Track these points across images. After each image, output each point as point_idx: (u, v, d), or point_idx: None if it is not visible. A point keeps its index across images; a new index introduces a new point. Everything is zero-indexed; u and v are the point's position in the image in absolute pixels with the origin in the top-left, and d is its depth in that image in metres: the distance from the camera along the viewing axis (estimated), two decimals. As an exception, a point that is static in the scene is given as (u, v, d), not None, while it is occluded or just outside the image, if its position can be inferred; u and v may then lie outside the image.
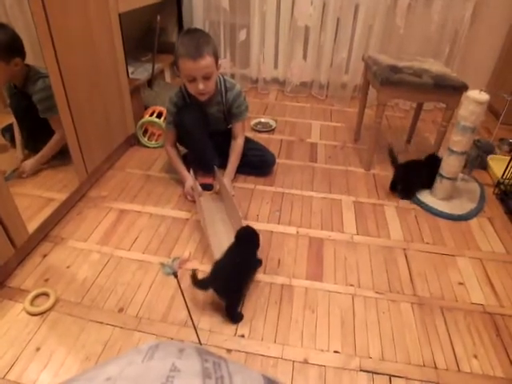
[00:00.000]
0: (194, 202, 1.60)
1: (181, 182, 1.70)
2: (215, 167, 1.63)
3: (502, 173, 1.70)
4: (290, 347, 1.07)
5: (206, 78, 1.48)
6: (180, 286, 1.01)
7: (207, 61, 1.44)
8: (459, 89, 1.62)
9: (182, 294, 1.01)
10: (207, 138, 1.66)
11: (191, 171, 1.63)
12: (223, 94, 1.63)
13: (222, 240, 1.37)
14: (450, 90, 1.63)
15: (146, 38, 2.57)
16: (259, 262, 1.32)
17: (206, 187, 1.66)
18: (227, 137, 1.73)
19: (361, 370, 1.02)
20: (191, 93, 1.56)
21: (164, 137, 1.80)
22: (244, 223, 1.32)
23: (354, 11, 2.41)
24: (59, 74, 1.31)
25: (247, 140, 1.76)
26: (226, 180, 1.62)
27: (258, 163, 1.78)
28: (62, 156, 1.52)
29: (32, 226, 1.30)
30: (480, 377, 1.01)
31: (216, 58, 1.50)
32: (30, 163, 1.54)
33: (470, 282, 1.29)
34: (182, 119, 1.61)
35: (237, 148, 1.70)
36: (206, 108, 1.64)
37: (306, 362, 1.03)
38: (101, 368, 0.32)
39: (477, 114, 1.44)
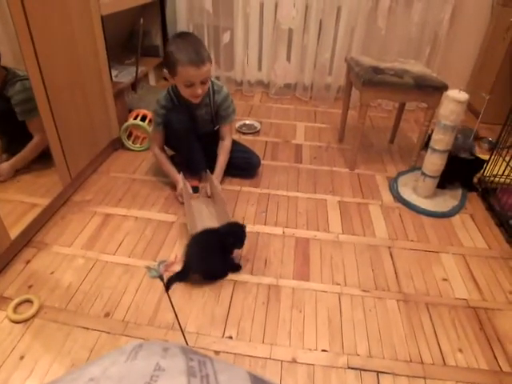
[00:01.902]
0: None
1: (166, 184, 1.70)
2: (208, 171, 1.63)
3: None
4: (278, 347, 1.07)
5: (204, 82, 1.50)
6: (167, 289, 1.00)
7: (208, 67, 1.47)
8: (439, 89, 1.65)
9: (169, 297, 1.01)
10: (195, 139, 1.66)
11: (181, 173, 1.62)
12: (211, 97, 1.64)
13: None
14: (431, 89, 1.67)
15: (130, 41, 2.56)
16: (239, 267, 1.32)
17: (193, 190, 1.66)
18: (214, 138, 1.73)
19: (349, 368, 1.03)
20: (185, 96, 1.55)
21: (151, 139, 1.78)
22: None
23: (336, 13, 2.44)
24: (41, 77, 1.29)
25: (233, 142, 1.76)
26: (215, 182, 1.62)
27: (243, 165, 1.79)
28: (44, 160, 1.50)
29: (14, 232, 1.28)
30: (465, 370, 1.03)
31: (211, 61, 1.52)
32: (5, 167, 1.51)
33: (454, 278, 1.32)
34: (170, 120, 1.60)
35: (225, 149, 1.71)
36: (195, 110, 1.64)
37: (294, 361, 1.04)
38: (83, 369, 0.32)
39: (457, 113, 1.47)
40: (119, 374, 0.31)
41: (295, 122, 2.40)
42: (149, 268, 1.13)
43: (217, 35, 2.63)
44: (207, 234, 1.29)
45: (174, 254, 1.35)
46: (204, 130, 1.71)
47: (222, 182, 1.75)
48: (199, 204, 1.61)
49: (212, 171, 1.67)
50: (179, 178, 1.62)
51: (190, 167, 1.70)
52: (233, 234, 1.28)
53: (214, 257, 1.25)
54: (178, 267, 1.29)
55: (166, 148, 1.76)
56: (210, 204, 1.62)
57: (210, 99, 1.64)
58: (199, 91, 1.50)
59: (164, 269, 1.23)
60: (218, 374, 0.37)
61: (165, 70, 1.53)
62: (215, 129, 1.74)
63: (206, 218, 1.53)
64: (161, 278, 0.99)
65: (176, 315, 1.02)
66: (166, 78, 1.55)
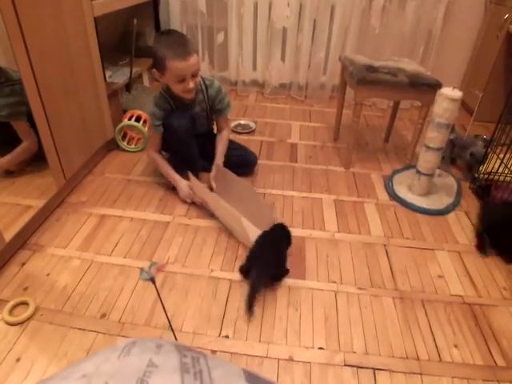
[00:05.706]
0: (193, 204, 1.59)
1: (161, 184, 1.70)
2: (215, 162, 1.66)
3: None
4: (275, 345, 1.07)
5: (194, 75, 1.50)
6: (158, 291, 1.00)
7: (195, 58, 1.47)
8: (433, 87, 1.66)
9: (160, 299, 1.00)
10: (195, 144, 1.66)
11: (189, 172, 1.59)
12: (204, 92, 1.63)
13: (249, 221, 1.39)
14: (425, 87, 1.67)
15: (124, 41, 2.55)
16: (287, 271, 1.31)
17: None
18: (210, 139, 1.73)
19: (345, 365, 1.03)
20: (178, 93, 1.54)
21: (148, 141, 1.75)
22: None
23: (330, 13, 2.44)
24: (34, 79, 1.28)
25: (229, 141, 1.76)
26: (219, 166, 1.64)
27: (240, 162, 1.78)
28: (38, 162, 1.49)
29: (9, 235, 1.27)
30: (461, 365, 1.04)
31: (197, 53, 1.53)
32: None
33: (449, 275, 1.32)
34: (171, 124, 1.57)
35: (224, 138, 1.72)
36: (191, 109, 1.63)
37: (291, 359, 1.04)
38: (76, 366, 0.32)
39: (450, 111, 1.47)
40: (112, 371, 0.31)
41: (290, 122, 2.40)
42: (141, 270, 1.13)
43: (211, 36, 2.63)
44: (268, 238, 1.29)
45: (168, 255, 1.35)
46: (200, 130, 1.71)
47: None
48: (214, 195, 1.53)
49: (206, 171, 1.68)
50: (179, 178, 1.62)
51: (185, 167, 1.68)
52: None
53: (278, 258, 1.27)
54: (173, 267, 1.30)
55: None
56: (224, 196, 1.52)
57: (204, 94, 1.63)
58: (191, 85, 1.49)
59: (155, 271, 1.23)
60: (211, 369, 0.37)
61: (153, 70, 1.52)
62: (211, 129, 1.74)
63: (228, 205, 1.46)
64: (152, 280, 0.98)
65: (167, 315, 1.02)
66: (157, 80, 1.56)
